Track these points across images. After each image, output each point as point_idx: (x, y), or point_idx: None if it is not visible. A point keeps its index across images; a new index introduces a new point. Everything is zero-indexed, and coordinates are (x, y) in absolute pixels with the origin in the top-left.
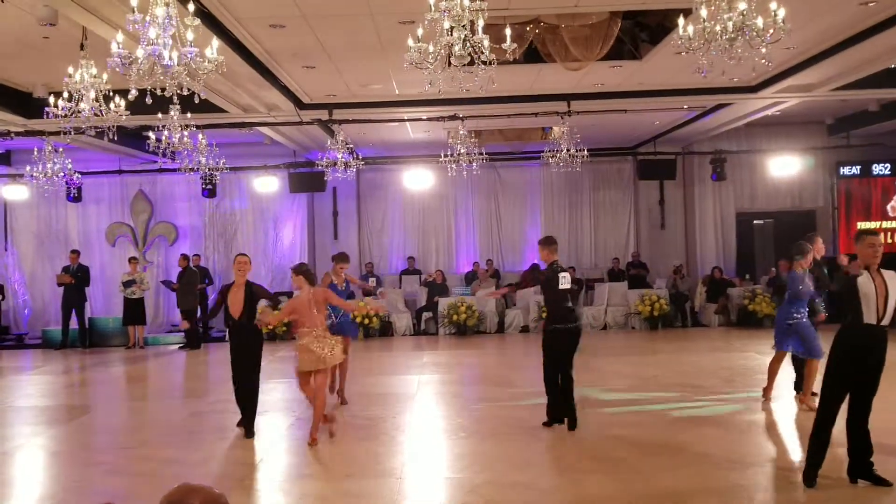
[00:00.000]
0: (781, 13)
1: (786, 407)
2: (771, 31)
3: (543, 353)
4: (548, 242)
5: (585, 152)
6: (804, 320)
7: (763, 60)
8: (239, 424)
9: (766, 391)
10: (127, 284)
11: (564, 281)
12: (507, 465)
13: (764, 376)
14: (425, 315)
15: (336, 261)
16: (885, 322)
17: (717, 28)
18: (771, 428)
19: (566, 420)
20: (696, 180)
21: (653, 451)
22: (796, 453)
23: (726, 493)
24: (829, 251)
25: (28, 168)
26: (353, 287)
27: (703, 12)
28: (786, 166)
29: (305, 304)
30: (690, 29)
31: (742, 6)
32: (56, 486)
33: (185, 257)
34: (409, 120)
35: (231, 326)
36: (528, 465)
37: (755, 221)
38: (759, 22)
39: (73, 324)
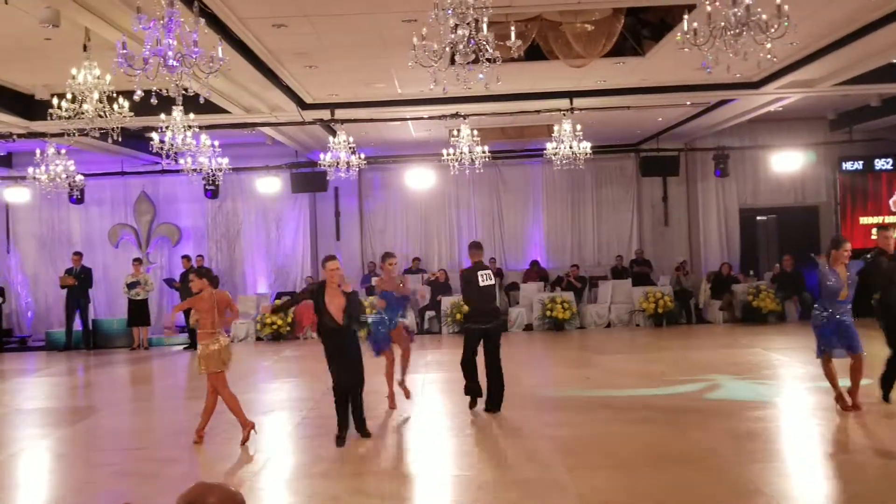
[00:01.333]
0: (786, 7)
1: (799, 403)
2: (775, 26)
3: (467, 345)
4: (471, 247)
5: (588, 149)
6: (838, 317)
7: (768, 56)
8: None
9: (837, 399)
10: (131, 286)
11: (484, 277)
12: (515, 462)
13: (772, 371)
14: (429, 314)
15: (384, 258)
16: None
17: (722, 23)
18: (782, 423)
19: (490, 401)
20: (699, 176)
21: (661, 447)
22: (807, 448)
23: (737, 489)
24: None
25: (30, 170)
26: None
27: (708, 7)
28: (788, 162)
29: (206, 305)
30: (695, 24)
31: (747, 0)
32: (63, 487)
33: (187, 258)
34: (411, 119)
35: (331, 331)
36: (536, 461)
37: (758, 217)
38: (764, 17)
39: (77, 325)
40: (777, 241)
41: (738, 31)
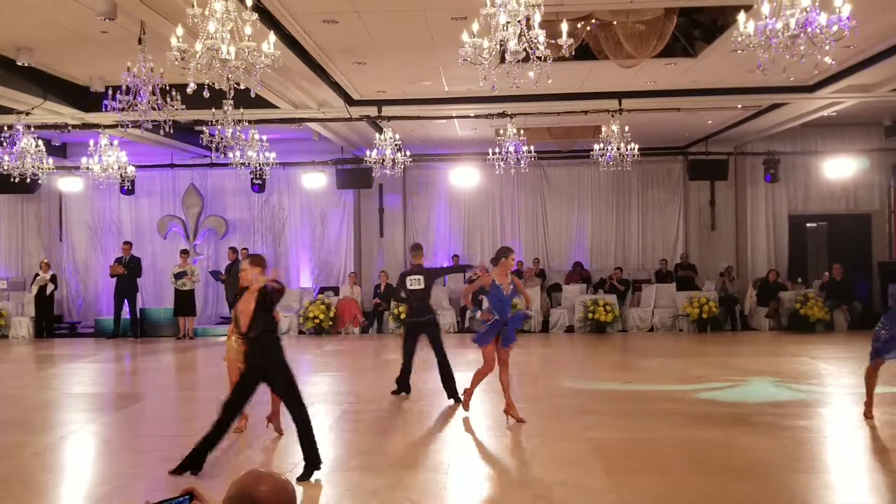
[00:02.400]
0: (846, 10)
1: (846, 413)
2: (835, 27)
3: (403, 339)
4: (412, 248)
5: (636, 151)
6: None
7: (827, 58)
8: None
9: (868, 405)
10: (178, 276)
11: (414, 282)
12: (554, 464)
13: (819, 380)
14: (469, 313)
15: (504, 254)
16: None
17: (779, 25)
18: (828, 433)
19: (449, 394)
20: (748, 181)
21: (704, 454)
22: (854, 459)
23: (781, 500)
24: (885, 255)
25: (84, 160)
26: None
27: (765, 8)
28: (841, 168)
29: None
30: (750, 26)
31: (805, 2)
32: (109, 472)
33: (233, 250)
34: (457, 117)
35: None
36: (575, 463)
37: (808, 224)
38: (823, 19)
39: (125, 313)
40: (827, 249)
41: (795, 32)
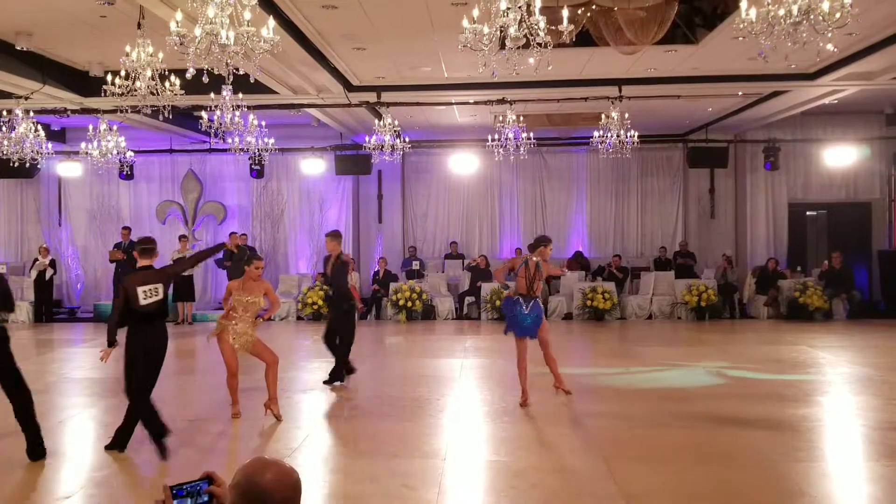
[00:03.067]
0: None
1: (844, 402)
2: (837, 14)
3: (343, 328)
4: (332, 236)
5: (636, 138)
6: None
7: (830, 46)
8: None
9: None
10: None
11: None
12: (553, 451)
13: (817, 368)
14: (468, 299)
15: (543, 242)
16: None
17: (781, 11)
18: (826, 421)
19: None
20: (748, 169)
21: (701, 441)
22: (852, 449)
23: (779, 489)
24: (885, 244)
25: (83, 145)
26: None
27: None
28: (841, 156)
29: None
30: (753, 12)
31: None
32: (108, 456)
33: (234, 235)
34: (457, 103)
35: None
36: (573, 451)
37: (808, 212)
38: (826, 5)
39: None
40: (826, 238)
41: (798, 19)
